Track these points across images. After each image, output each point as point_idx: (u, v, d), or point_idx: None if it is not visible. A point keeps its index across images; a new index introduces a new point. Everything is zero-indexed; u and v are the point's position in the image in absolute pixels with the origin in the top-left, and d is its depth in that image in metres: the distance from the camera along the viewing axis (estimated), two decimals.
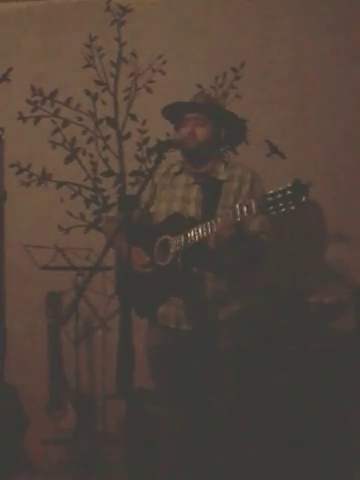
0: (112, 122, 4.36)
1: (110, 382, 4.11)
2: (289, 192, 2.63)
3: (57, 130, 4.38)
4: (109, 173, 4.37)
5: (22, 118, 4.38)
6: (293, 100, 4.07)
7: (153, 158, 3.92)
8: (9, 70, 4.40)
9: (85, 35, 4.31)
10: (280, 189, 2.65)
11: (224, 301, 3.11)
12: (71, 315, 3.94)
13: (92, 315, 4.28)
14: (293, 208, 2.63)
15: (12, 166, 4.28)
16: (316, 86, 4.07)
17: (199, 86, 4.14)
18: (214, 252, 3.04)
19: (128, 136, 4.33)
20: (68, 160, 4.39)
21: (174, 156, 3.31)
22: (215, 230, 2.86)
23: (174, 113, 3.17)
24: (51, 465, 3.87)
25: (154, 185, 3.23)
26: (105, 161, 4.36)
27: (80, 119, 4.37)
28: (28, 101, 4.38)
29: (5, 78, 4.41)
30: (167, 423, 3.23)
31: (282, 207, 2.64)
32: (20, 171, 4.38)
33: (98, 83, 4.34)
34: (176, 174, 3.22)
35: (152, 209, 3.23)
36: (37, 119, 4.39)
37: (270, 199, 2.67)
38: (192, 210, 3.10)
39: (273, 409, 3.51)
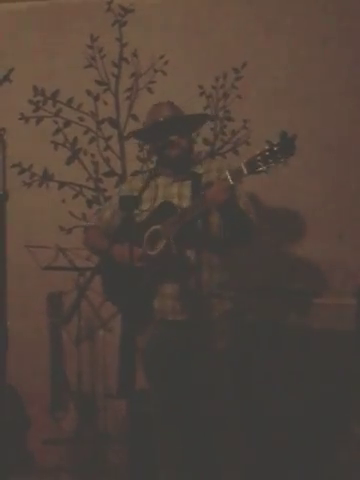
0: (114, 122, 4.36)
1: (111, 383, 4.11)
2: (276, 148, 2.68)
3: (59, 130, 4.39)
4: (111, 173, 4.37)
5: (24, 118, 4.39)
6: (294, 100, 4.07)
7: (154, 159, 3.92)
8: (11, 70, 4.41)
9: (86, 35, 4.31)
10: (267, 147, 2.70)
11: (220, 293, 3.12)
12: (73, 315, 3.94)
13: (94, 315, 4.28)
14: (282, 161, 2.68)
15: (14, 166, 4.29)
16: (317, 86, 4.06)
17: (200, 87, 4.16)
18: (205, 232, 3.08)
19: (129, 136, 4.33)
20: (70, 160, 4.39)
21: None
22: (209, 198, 2.88)
23: (152, 134, 3.21)
24: (52, 465, 3.88)
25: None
26: (107, 161, 4.37)
27: (82, 119, 4.37)
28: (30, 101, 4.39)
29: (7, 78, 4.42)
30: (161, 422, 3.25)
31: (271, 162, 2.69)
32: (22, 171, 4.39)
33: (99, 83, 4.34)
34: (152, 178, 3.25)
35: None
36: (39, 119, 4.40)
37: (259, 158, 2.71)
38: (176, 202, 3.14)
39: (271, 409, 3.51)
